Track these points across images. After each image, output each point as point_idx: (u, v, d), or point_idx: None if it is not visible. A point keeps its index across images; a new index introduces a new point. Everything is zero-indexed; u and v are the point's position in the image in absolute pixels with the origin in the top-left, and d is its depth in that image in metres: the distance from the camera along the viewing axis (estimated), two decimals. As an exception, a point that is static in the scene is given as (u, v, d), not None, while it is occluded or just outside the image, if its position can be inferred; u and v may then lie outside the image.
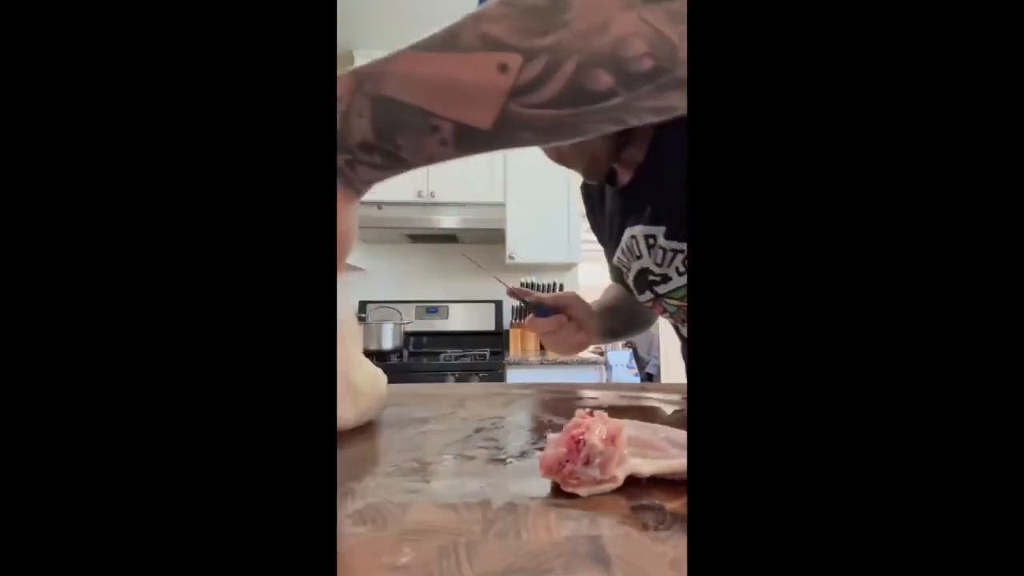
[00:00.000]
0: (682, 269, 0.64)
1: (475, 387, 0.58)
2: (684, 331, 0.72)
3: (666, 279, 0.65)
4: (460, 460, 0.30)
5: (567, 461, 0.24)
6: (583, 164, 0.60)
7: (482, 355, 2.16)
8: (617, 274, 0.74)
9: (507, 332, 2.40)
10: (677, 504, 0.23)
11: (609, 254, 0.73)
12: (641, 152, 0.62)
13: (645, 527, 0.21)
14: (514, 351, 2.28)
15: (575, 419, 0.26)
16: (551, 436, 0.26)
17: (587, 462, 0.24)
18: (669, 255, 0.64)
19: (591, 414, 0.26)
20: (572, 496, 0.24)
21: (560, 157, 0.60)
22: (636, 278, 0.68)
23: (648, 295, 0.68)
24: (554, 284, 2.31)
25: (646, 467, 0.26)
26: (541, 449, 0.29)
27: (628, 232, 0.66)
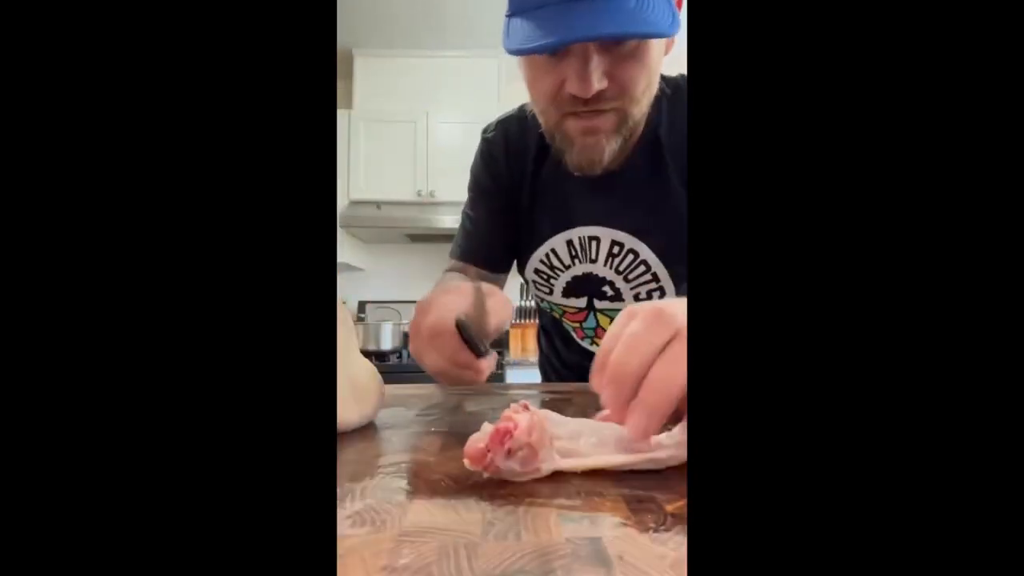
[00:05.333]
0: (643, 296, 0.62)
1: (475, 387, 0.58)
2: (584, 344, 0.69)
3: (619, 298, 0.63)
4: (460, 461, 0.30)
5: (488, 451, 0.25)
6: (603, 155, 0.54)
7: (482, 355, 2.16)
8: (494, 249, 0.67)
9: (507, 332, 2.40)
10: (677, 504, 0.23)
11: (532, 241, 0.66)
12: (625, 154, 0.59)
13: (645, 527, 0.21)
14: (514, 351, 2.28)
15: (510, 410, 0.27)
16: (485, 425, 0.27)
17: (509, 454, 0.25)
18: (633, 267, 0.61)
19: (525, 408, 0.27)
20: (573, 496, 0.24)
21: (589, 143, 0.53)
22: (577, 280, 0.64)
23: (582, 302, 0.65)
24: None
25: (569, 463, 0.27)
26: None
27: (585, 230, 0.62)
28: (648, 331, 0.27)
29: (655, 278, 0.61)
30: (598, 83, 0.49)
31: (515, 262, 0.71)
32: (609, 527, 0.21)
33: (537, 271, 0.67)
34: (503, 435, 0.25)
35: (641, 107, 0.54)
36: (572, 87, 0.49)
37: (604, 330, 0.65)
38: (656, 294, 0.62)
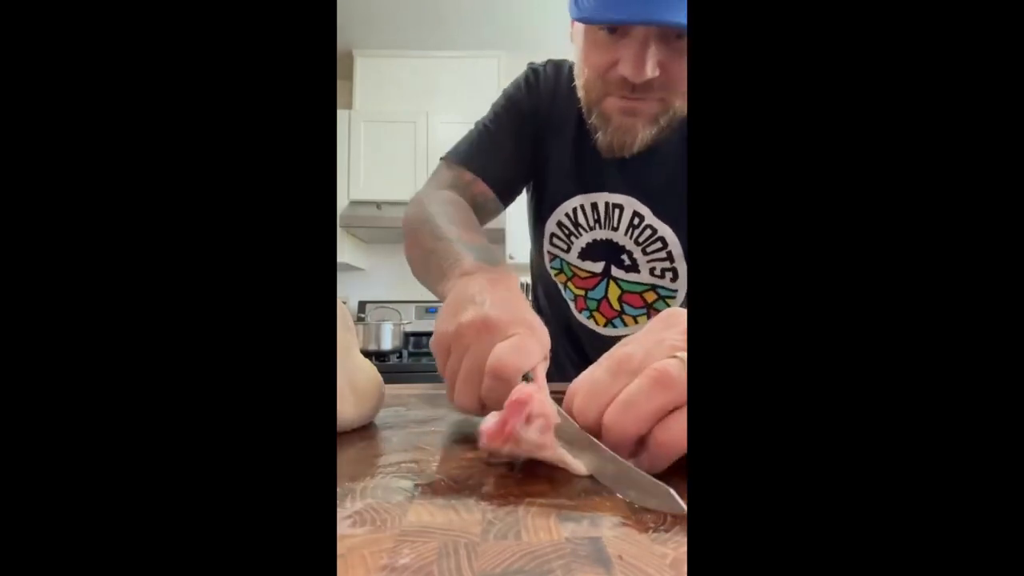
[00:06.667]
0: (657, 272, 0.63)
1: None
2: (581, 318, 0.69)
3: (635, 269, 0.63)
4: (460, 461, 0.30)
5: (506, 421, 0.25)
6: (635, 140, 0.54)
7: (482, 355, 2.15)
8: (507, 174, 0.64)
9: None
10: (677, 504, 0.23)
11: (560, 193, 0.64)
12: (658, 139, 0.59)
13: (645, 527, 0.21)
14: (514, 351, 2.27)
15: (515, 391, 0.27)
16: (489, 416, 0.27)
17: (528, 420, 0.25)
18: (651, 241, 0.62)
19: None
20: (573, 496, 0.24)
21: (625, 124, 0.54)
22: (597, 243, 0.64)
23: (598, 267, 0.65)
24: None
25: (575, 464, 0.27)
26: None
27: (612, 196, 0.62)
28: (608, 379, 0.28)
29: (670, 257, 0.61)
30: (651, 71, 0.49)
31: (534, 216, 0.69)
32: (609, 527, 0.21)
33: (560, 224, 0.65)
34: (521, 404, 0.25)
35: (684, 103, 0.54)
36: (625, 69, 0.50)
37: (609, 304, 0.66)
38: (668, 273, 0.62)
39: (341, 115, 2.35)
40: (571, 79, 0.64)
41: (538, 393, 0.27)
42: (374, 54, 2.49)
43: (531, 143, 0.65)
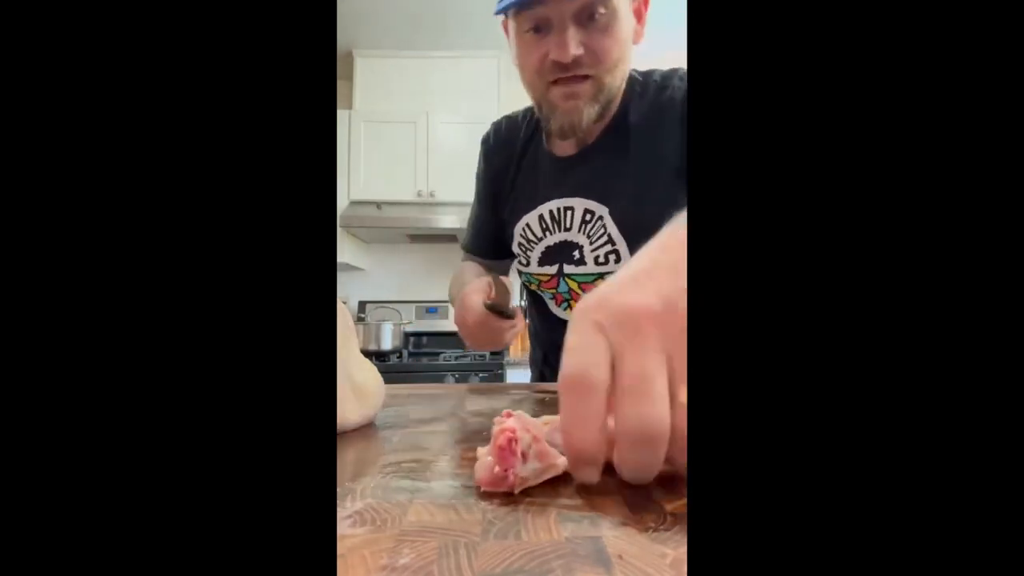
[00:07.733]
0: (601, 259, 0.70)
1: (475, 387, 0.58)
2: (559, 312, 0.77)
3: (583, 262, 0.71)
4: (460, 460, 0.30)
5: (506, 470, 0.24)
6: (581, 118, 0.64)
7: (482, 355, 2.16)
8: (490, 242, 0.80)
9: (507, 332, 2.40)
10: (677, 504, 0.23)
11: (512, 215, 0.76)
12: (598, 133, 0.68)
13: (645, 527, 0.21)
14: (514, 351, 2.28)
15: (495, 427, 0.26)
16: (480, 450, 0.26)
17: (524, 459, 0.25)
18: (597, 229, 0.69)
19: (509, 415, 0.27)
20: (573, 496, 0.24)
21: (570, 107, 0.64)
22: (550, 249, 0.73)
23: (553, 269, 0.73)
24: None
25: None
26: None
27: (560, 202, 0.70)
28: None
29: (611, 240, 0.69)
30: (575, 49, 0.59)
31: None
32: (609, 527, 0.21)
33: (519, 245, 0.76)
34: (509, 444, 0.24)
35: (614, 77, 0.64)
36: (554, 54, 0.60)
37: (578, 294, 0.74)
38: (612, 256, 0.69)
39: (341, 115, 2.35)
40: (508, 126, 0.80)
41: (515, 422, 0.26)
42: (374, 54, 2.48)
43: (493, 201, 0.79)
